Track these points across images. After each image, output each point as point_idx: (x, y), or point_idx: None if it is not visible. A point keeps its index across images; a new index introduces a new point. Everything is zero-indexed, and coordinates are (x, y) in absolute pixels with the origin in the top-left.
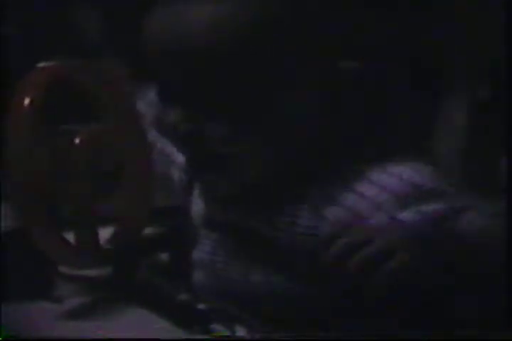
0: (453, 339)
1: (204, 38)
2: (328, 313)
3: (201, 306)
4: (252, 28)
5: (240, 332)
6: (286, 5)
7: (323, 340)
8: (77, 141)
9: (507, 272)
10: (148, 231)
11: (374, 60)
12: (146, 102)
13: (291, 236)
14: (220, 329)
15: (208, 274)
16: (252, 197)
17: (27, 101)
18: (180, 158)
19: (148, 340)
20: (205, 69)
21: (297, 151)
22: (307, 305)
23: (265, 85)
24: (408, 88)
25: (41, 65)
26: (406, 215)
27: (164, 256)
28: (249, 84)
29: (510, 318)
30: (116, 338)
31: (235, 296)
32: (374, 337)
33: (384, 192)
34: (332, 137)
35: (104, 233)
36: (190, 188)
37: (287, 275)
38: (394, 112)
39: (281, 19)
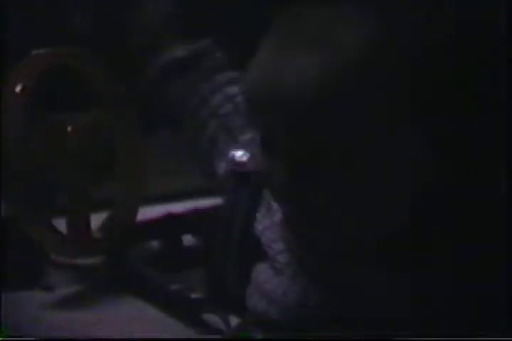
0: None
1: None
2: None
3: (194, 296)
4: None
5: (233, 322)
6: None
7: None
8: (69, 129)
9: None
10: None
11: None
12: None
13: None
14: (212, 319)
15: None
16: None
17: (19, 88)
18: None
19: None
20: (312, 123)
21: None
22: None
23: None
24: None
25: (35, 52)
26: None
27: (157, 245)
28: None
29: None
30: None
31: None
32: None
33: None
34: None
35: (97, 221)
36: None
37: None
38: None
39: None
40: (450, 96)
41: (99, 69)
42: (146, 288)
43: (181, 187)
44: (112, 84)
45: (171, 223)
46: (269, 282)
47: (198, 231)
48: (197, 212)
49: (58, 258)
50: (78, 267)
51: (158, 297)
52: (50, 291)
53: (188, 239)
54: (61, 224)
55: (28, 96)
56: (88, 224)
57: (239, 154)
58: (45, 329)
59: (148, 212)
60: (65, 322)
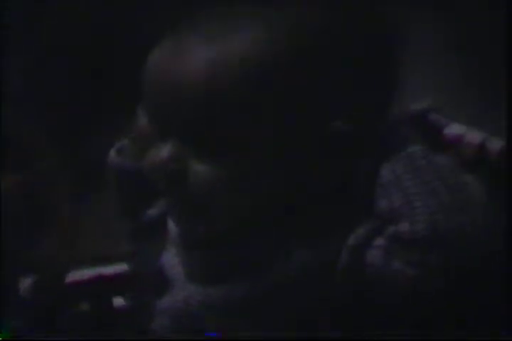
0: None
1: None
2: None
3: None
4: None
5: None
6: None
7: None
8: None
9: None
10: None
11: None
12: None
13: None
14: None
15: (177, 322)
16: (234, 241)
17: None
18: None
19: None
20: (200, 110)
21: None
22: None
23: (253, 132)
24: None
25: None
26: None
27: (87, 306)
28: (238, 129)
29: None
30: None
31: None
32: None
33: None
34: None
35: (27, 281)
36: (160, 234)
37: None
38: None
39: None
40: None
41: (31, 132)
42: None
43: (112, 250)
44: (43, 145)
45: (102, 285)
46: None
47: (129, 293)
48: (127, 275)
49: None
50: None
51: None
52: None
53: (118, 301)
54: None
55: None
56: (17, 284)
57: None
58: None
59: (78, 274)
60: None
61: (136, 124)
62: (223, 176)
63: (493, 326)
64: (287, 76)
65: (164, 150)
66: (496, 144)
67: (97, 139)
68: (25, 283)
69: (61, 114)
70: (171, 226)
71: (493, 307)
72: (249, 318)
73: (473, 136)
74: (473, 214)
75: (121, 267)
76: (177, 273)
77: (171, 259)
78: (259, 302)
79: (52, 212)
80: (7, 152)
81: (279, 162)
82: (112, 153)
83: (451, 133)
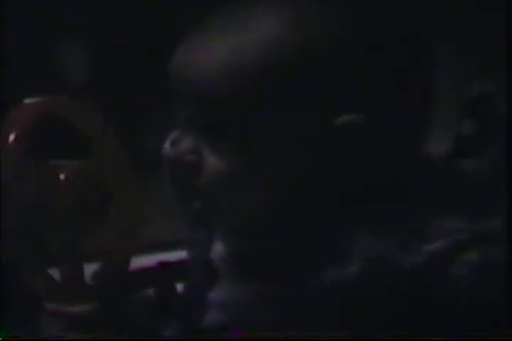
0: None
1: (215, 82)
2: None
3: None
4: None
5: None
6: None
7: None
8: (62, 176)
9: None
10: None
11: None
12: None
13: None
14: None
15: (228, 314)
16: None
17: (12, 136)
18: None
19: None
20: (216, 105)
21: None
22: None
23: (268, 128)
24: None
25: (27, 100)
26: None
27: (152, 292)
28: (253, 125)
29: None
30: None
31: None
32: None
33: None
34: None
35: (90, 268)
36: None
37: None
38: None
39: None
40: None
41: (87, 117)
42: (140, 334)
43: (172, 236)
44: (101, 132)
45: (164, 271)
46: (217, 292)
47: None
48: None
49: (51, 305)
50: (74, 315)
51: None
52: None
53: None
54: (54, 271)
55: (22, 144)
56: (82, 271)
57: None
58: None
59: (141, 261)
60: None
61: None
62: (234, 168)
63: None
64: (306, 66)
65: (184, 142)
66: None
67: (154, 128)
68: (89, 271)
69: (118, 102)
70: None
71: None
72: (300, 317)
73: None
74: None
75: (183, 254)
76: (225, 265)
77: (220, 250)
78: (309, 303)
79: (110, 200)
80: (66, 140)
81: (293, 155)
82: (166, 145)
83: None
